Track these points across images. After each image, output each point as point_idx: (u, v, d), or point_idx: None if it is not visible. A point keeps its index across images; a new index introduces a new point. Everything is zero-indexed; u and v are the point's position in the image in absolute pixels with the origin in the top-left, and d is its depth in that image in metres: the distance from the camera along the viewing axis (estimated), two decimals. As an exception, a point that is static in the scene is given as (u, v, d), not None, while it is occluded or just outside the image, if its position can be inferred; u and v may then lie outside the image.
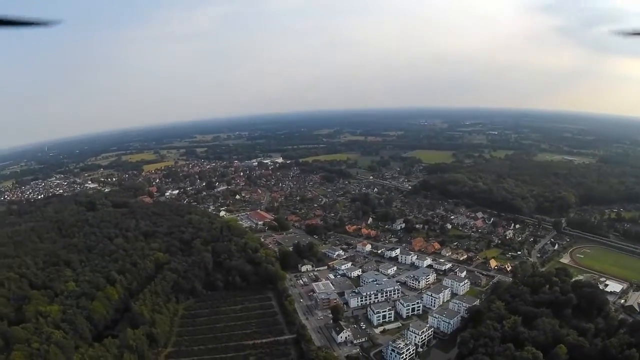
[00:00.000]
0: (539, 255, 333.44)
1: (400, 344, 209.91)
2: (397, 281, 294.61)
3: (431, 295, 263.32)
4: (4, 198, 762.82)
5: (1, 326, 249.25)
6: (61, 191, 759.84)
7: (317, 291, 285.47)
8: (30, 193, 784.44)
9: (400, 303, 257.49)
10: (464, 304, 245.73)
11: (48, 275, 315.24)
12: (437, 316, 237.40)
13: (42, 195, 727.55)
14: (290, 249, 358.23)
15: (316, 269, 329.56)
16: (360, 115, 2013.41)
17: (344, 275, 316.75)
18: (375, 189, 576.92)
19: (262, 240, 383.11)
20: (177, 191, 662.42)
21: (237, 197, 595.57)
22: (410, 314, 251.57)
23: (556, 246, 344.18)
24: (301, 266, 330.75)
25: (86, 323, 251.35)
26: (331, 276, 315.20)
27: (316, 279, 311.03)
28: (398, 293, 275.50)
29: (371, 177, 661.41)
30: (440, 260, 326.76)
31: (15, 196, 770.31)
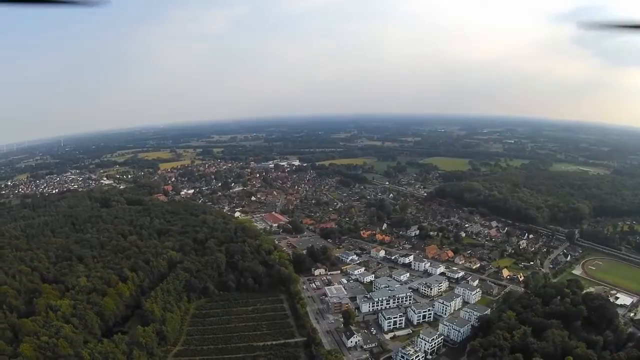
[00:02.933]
0: (551, 266, 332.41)
1: (409, 350, 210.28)
2: (410, 288, 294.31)
3: (443, 303, 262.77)
4: (19, 191, 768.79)
5: (11, 318, 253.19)
6: (76, 186, 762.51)
7: (329, 295, 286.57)
8: (44, 187, 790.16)
9: (412, 310, 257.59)
10: (475, 313, 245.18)
11: (60, 270, 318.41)
12: (447, 324, 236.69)
13: (57, 190, 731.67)
14: (304, 252, 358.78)
15: (329, 273, 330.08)
16: (378, 120, 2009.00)
17: (356, 280, 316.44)
18: (391, 195, 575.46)
19: (276, 242, 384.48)
20: (192, 190, 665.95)
21: (253, 198, 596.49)
22: (421, 321, 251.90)
23: (569, 257, 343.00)
24: (314, 269, 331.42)
25: (96, 319, 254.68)
26: (344, 280, 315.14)
27: (329, 283, 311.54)
28: (410, 300, 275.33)
29: (387, 183, 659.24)
30: (453, 268, 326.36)
31: (30, 190, 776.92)
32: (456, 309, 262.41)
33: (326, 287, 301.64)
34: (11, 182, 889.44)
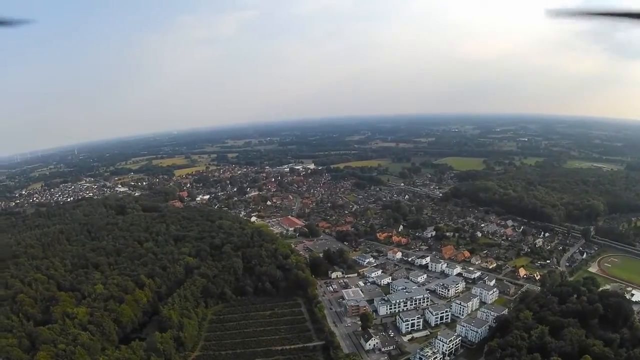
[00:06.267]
0: (567, 264, 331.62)
1: (427, 352, 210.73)
2: (427, 289, 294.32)
3: (460, 304, 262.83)
4: (33, 200, 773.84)
5: (27, 326, 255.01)
6: (91, 194, 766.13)
7: (347, 298, 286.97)
8: (59, 196, 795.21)
9: (429, 311, 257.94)
10: (493, 313, 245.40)
11: (76, 278, 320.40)
12: (465, 325, 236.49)
13: (72, 198, 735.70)
14: (321, 255, 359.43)
15: (346, 276, 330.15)
16: (391, 121, 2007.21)
17: (373, 282, 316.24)
18: (407, 196, 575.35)
19: (293, 246, 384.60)
20: (208, 196, 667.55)
21: (269, 203, 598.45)
22: (438, 322, 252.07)
23: (584, 255, 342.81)
24: (331, 273, 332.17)
25: (113, 325, 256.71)
26: (361, 283, 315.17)
27: (346, 286, 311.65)
28: (427, 301, 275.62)
29: (402, 184, 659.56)
30: (470, 268, 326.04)
31: (44, 198, 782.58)
32: (473, 309, 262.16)
33: (343, 290, 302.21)
34: (25, 191, 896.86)
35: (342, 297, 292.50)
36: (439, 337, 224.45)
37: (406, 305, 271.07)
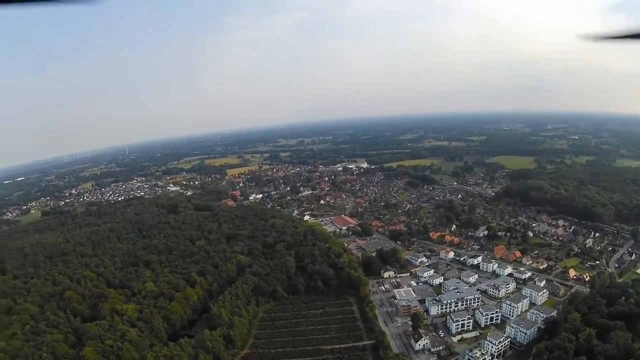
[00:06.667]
0: (616, 265, 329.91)
1: (476, 353, 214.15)
2: (478, 289, 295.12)
3: (510, 305, 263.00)
4: (83, 199, 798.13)
5: (74, 323, 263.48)
6: (142, 193, 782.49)
7: (398, 298, 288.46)
8: (110, 195, 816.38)
9: (480, 312, 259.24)
10: (542, 315, 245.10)
11: (126, 275, 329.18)
12: (514, 326, 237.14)
13: (123, 197, 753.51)
14: (374, 254, 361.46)
15: (398, 276, 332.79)
16: (443, 119, 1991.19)
17: (425, 282, 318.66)
18: (459, 195, 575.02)
19: (346, 245, 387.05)
20: (261, 195, 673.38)
21: (322, 201, 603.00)
22: (488, 323, 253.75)
23: (633, 256, 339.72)
24: (384, 272, 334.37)
25: (162, 322, 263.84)
26: (413, 283, 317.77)
27: (398, 286, 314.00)
28: (478, 302, 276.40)
29: (455, 183, 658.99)
30: (520, 268, 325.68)
31: (95, 198, 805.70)
32: (523, 310, 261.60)
33: (395, 290, 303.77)
34: (75, 191, 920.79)
35: (394, 297, 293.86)
36: (488, 338, 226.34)
37: (457, 306, 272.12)
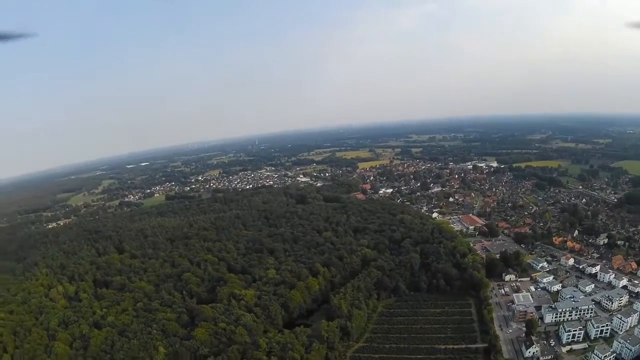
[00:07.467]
0: None
1: None
2: (592, 300, 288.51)
3: (620, 319, 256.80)
4: (210, 186, 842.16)
5: (190, 304, 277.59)
6: (271, 183, 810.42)
7: (516, 302, 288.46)
8: (237, 183, 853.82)
9: (591, 323, 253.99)
10: None
11: (249, 261, 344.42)
12: (621, 341, 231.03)
13: (251, 186, 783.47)
14: (497, 256, 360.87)
15: (519, 280, 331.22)
16: (572, 120, 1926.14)
17: (544, 288, 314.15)
18: (584, 200, 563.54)
19: (471, 245, 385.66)
20: (390, 190, 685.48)
21: (451, 199, 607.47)
22: (598, 335, 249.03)
23: None
24: (505, 275, 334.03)
25: (280, 310, 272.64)
26: (532, 288, 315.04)
27: (517, 290, 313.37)
28: (591, 312, 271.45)
29: (580, 187, 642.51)
30: (635, 281, 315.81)
31: (221, 185, 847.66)
32: (632, 325, 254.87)
33: (514, 294, 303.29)
34: (202, 177, 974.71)
35: (512, 301, 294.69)
36: (595, 351, 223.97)
37: (571, 315, 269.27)
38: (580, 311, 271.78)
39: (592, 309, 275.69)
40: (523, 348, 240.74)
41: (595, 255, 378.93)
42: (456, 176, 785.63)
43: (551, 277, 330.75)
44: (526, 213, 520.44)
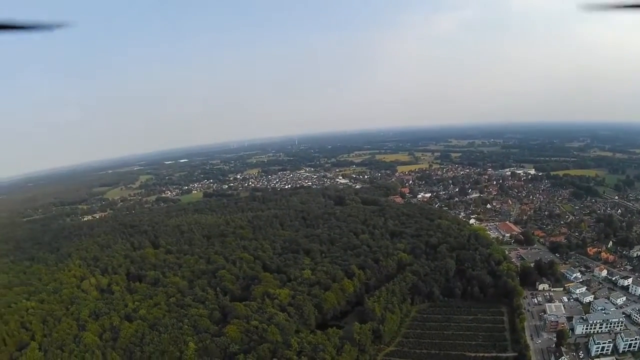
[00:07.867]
0: None
1: None
2: (623, 313, 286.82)
3: None
4: (248, 185, 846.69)
5: (223, 300, 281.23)
6: (309, 183, 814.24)
7: (548, 312, 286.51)
8: (276, 182, 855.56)
9: (621, 337, 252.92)
10: None
11: (284, 261, 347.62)
12: None
13: (289, 186, 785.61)
14: (532, 265, 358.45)
15: (552, 289, 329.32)
16: (609, 128, 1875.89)
17: (576, 299, 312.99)
18: (619, 210, 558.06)
19: (507, 252, 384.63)
20: (429, 194, 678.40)
21: (488, 206, 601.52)
22: (626, 349, 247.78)
23: None
24: (538, 284, 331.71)
25: (313, 310, 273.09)
26: (564, 299, 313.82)
27: (550, 300, 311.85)
28: (621, 326, 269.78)
29: (616, 197, 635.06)
30: None
31: (260, 184, 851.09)
32: None
33: (547, 304, 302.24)
34: (241, 176, 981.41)
35: (544, 311, 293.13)
36: None
37: (601, 328, 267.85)
38: (611, 324, 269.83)
39: (622, 322, 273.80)
40: (553, 359, 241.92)
41: (629, 267, 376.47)
42: (494, 182, 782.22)
43: (584, 288, 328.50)
44: (562, 222, 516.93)
